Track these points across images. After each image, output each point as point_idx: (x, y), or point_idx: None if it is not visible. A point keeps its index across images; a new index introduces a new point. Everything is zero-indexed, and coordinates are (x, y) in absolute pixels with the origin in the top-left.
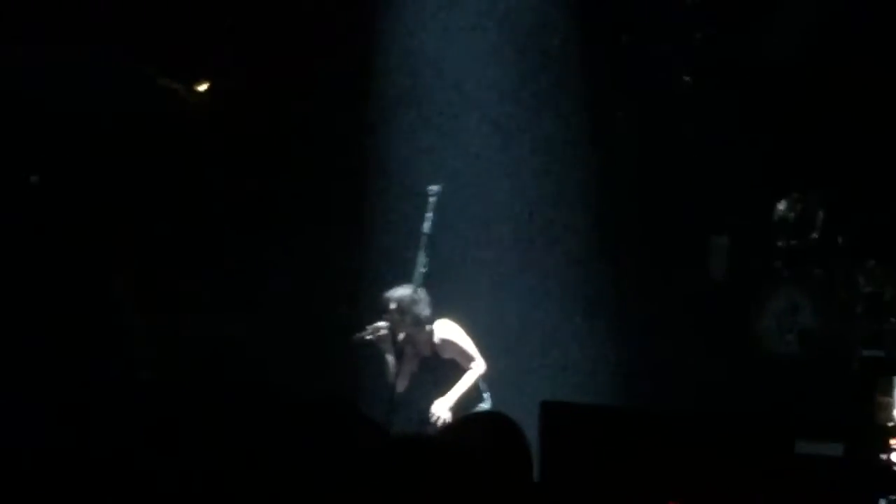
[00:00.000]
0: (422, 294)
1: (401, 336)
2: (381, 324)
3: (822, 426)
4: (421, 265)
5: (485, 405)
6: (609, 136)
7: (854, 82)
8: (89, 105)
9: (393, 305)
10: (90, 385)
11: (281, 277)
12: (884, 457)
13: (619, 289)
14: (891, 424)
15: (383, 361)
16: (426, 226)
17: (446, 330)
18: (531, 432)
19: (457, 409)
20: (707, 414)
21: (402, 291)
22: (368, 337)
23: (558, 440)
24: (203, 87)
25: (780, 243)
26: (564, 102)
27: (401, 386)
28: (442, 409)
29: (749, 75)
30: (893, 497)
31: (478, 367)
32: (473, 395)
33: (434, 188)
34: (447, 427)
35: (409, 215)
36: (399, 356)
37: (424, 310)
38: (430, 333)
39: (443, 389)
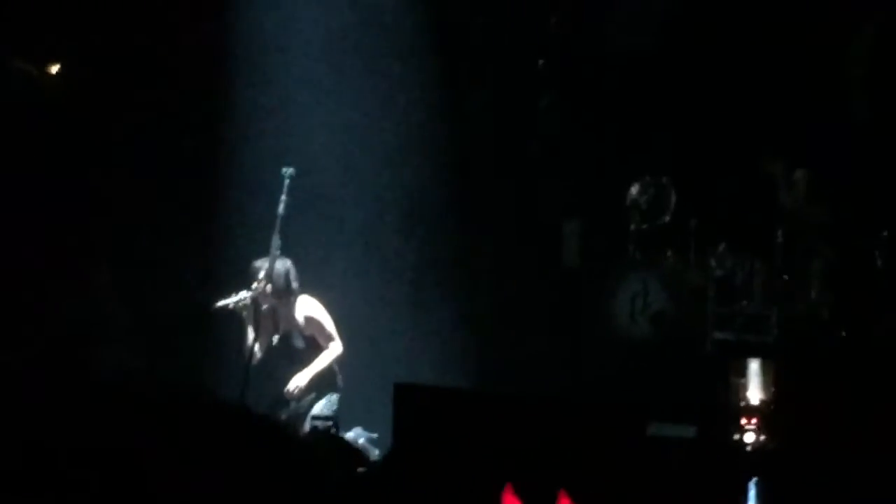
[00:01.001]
0: (291, 266)
1: (263, 307)
2: (245, 293)
3: (675, 408)
4: (275, 247)
5: (337, 386)
6: (463, 119)
7: (705, 70)
8: None
9: (261, 274)
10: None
11: (130, 259)
12: (737, 437)
13: (473, 273)
14: (744, 405)
15: (242, 334)
16: (280, 208)
17: (310, 306)
18: (384, 412)
19: (311, 387)
20: (559, 397)
21: (271, 261)
22: (231, 305)
23: (410, 422)
24: (55, 70)
25: (632, 227)
26: (418, 84)
27: (256, 358)
28: (297, 386)
29: (603, 61)
30: (757, 478)
31: (335, 347)
32: (328, 375)
33: (288, 170)
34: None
35: (260, 198)
36: (257, 328)
37: (293, 282)
38: (294, 307)
39: (298, 366)
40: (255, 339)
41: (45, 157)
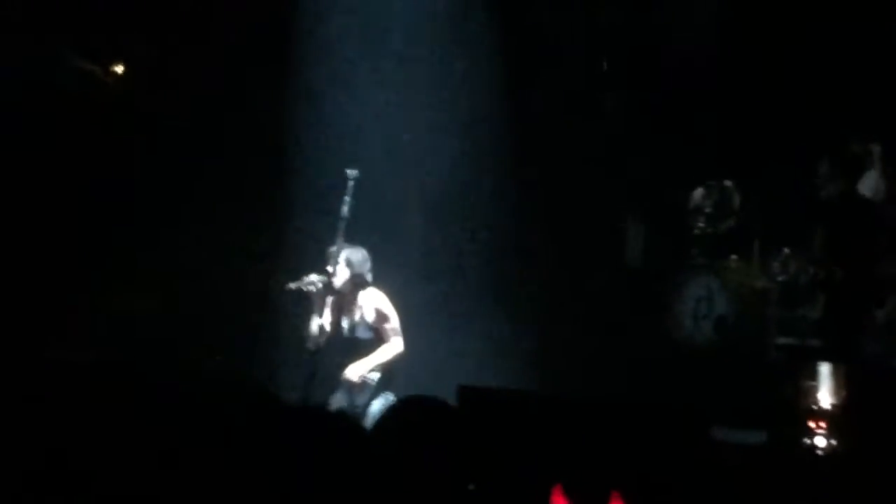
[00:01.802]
0: (368, 256)
1: (332, 297)
2: (315, 277)
3: (740, 413)
4: (339, 246)
5: (393, 385)
6: (527, 120)
7: (769, 70)
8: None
9: (338, 260)
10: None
11: (196, 258)
12: (807, 441)
13: (535, 275)
14: (815, 408)
15: (307, 318)
16: (344, 209)
17: (380, 299)
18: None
19: (369, 379)
20: (622, 401)
21: (351, 248)
22: (303, 287)
23: (475, 424)
24: (120, 69)
25: (696, 231)
26: (481, 87)
27: (317, 343)
28: (358, 374)
29: (665, 62)
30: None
31: (398, 343)
32: (386, 371)
33: (352, 172)
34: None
35: (326, 199)
36: (322, 314)
37: (368, 273)
38: (363, 298)
39: (357, 357)
40: (321, 326)
41: (109, 153)
